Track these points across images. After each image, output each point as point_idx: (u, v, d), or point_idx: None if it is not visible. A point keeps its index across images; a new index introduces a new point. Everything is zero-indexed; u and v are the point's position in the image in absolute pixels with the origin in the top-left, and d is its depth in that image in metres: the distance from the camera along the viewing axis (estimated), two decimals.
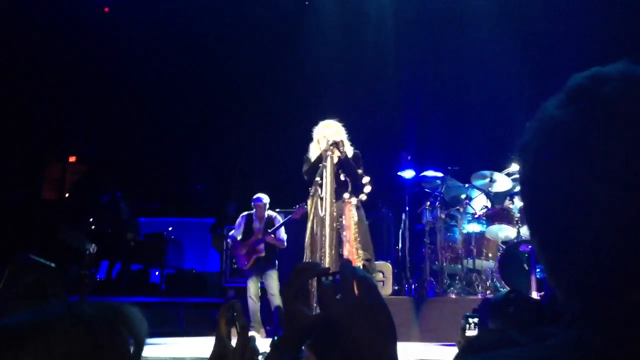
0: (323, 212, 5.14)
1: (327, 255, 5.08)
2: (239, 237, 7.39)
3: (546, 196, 0.71)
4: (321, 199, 5.18)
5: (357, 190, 5.43)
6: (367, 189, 5.36)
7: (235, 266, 8.32)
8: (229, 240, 7.67)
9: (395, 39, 10.65)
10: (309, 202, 5.33)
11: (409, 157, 8.30)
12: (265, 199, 7.40)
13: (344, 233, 5.33)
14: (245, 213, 7.47)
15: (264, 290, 7.23)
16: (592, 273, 0.68)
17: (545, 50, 10.06)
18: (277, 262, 7.31)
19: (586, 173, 0.67)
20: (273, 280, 7.14)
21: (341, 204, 5.34)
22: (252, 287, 7.13)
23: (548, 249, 0.72)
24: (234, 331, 1.42)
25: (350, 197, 5.39)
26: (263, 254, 7.25)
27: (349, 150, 5.55)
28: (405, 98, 10.67)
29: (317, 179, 5.18)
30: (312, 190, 5.24)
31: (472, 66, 10.24)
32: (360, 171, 5.42)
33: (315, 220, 5.18)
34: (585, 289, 0.69)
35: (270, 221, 7.40)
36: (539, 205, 0.72)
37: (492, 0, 10.27)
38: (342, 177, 5.39)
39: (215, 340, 1.46)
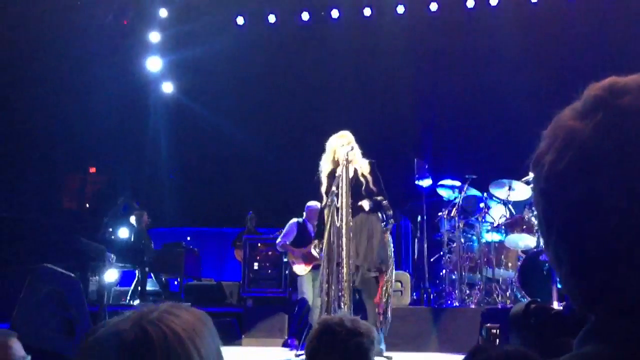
0: (339, 223, 5.14)
1: (344, 265, 5.07)
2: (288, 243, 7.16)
3: (560, 209, 0.70)
4: (337, 209, 5.18)
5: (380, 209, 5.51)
6: (390, 213, 5.43)
7: (252, 275, 8.32)
8: (278, 247, 7.33)
9: (412, 46, 10.65)
10: (325, 212, 5.32)
11: (427, 166, 8.26)
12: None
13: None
14: (295, 220, 7.22)
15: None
16: (606, 289, 0.66)
17: (564, 55, 9.98)
18: None
19: (602, 186, 0.65)
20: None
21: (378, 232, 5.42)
22: (312, 295, 6.74)
23: (562, 263, 0.71)
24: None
25: (386, 229, 5.46)
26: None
27: (364, 162, 5.55)
28: (422, 105, 10.64)
29: (333, 188, 5.18)
30: (328, 201, 5.24)
31: (490, 72, 10.19)
32: (379, 199, 5.44)
33: (332, 231, 5.17)
34: (599, 304, 0.68)
35: None
36: (553, 217, 0.71)
37: (508, 7, 10.25)
38: (363, 192, 5.42)
39: None
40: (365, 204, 5.41)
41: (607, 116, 0.68)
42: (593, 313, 0.69)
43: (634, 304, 0.65)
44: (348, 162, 5.30)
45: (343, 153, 5.36)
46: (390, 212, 5.43)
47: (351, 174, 5.43)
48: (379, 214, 5.47)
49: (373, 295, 5.42)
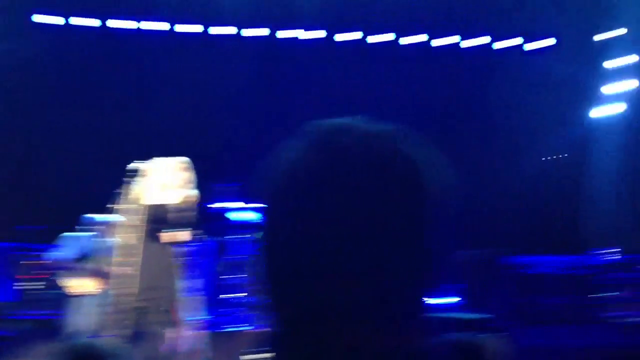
0: (129, 242, 5.13)
1: (126, 289, 5.05)
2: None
3: (265, 233, 0.78)
4: (129, 227, 5.18)
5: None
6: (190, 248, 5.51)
7: (26, 296, 7.76)
8: (56, 263, 6.79)
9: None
10: (116, 231, 5.27)
11: (221, 189, 8.37)
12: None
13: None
14: (79, 234, 6.66)
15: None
16: (278, 304, 0.77)
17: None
18: None
19: (297, 218, 0.73)
20: None
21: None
22: (84, 319, 6.30)
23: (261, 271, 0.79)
24: None
25: (182, 262, 5.48)
26: None
27: (186, 192, 5.47)
28: (216, 128, 10.69)
29: (124, 206, 5.16)
30: (120, 220, 5.22)
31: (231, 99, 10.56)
32: (185, 230, 5.42)
33: (122, 252, 5.14)
34: (278, 317, 0.78)
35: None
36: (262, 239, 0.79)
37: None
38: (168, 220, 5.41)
39: None
40: (167, 233, 5.30)
41: (321, 152, 0.75)
42: (278, 327, 0.79)
43: (295, 318, 0.75)
44: (149, 186, 5.31)
45: (164, 178, 5.33)
46: (191, 248, 5.50)
47: (170, 201, 5.36)
48: (178, 246, 5.46)
49: (166, 327, 5.39)
